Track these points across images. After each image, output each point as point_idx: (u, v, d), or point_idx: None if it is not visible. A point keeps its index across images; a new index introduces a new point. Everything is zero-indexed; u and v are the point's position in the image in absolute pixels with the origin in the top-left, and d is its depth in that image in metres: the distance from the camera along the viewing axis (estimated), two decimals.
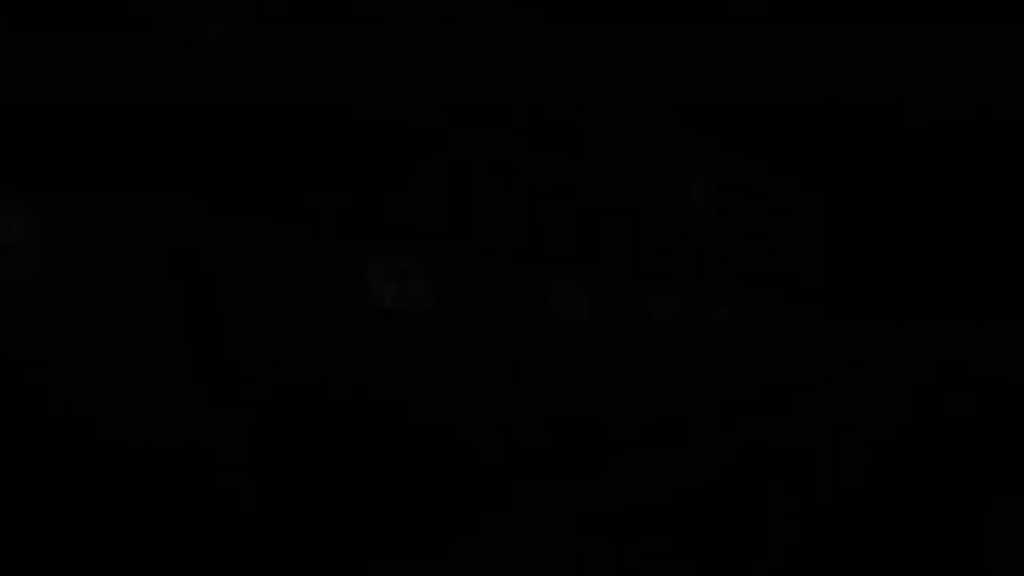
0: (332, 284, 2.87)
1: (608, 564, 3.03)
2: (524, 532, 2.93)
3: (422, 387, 3.08)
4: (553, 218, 4.88)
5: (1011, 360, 12.70)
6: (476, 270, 3.72)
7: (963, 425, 6.94)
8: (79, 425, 2.03)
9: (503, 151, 4.62)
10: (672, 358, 5.29)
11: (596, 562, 3.01)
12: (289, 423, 2.50)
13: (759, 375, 6.65)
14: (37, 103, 2.30)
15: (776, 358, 7.45)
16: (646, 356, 4.98)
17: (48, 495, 1.95)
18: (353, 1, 3.79)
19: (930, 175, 14.60)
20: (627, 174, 6.68)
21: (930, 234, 15.50)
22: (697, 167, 8.57)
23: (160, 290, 2.27)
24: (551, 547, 3.00)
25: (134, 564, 2.09)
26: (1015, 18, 10.23)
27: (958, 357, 14.23)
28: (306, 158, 3.23)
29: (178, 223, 2.38)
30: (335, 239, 3.04)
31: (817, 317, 10.44)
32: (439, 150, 4.01)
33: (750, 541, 3.49)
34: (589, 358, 4.36)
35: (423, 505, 2.78)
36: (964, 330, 15.13)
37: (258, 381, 2.44)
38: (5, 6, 2.28)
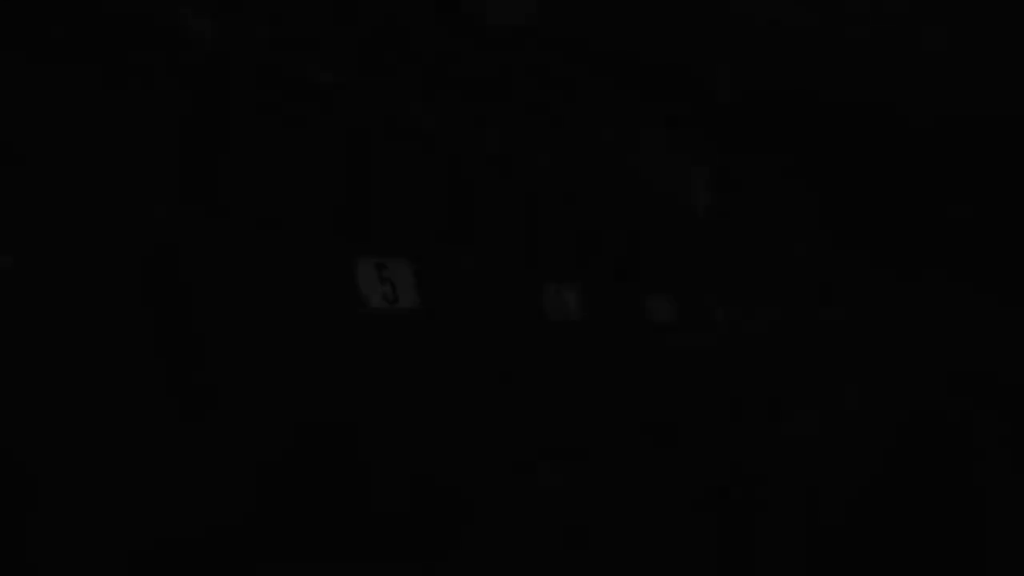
0: (321, 285, 2.86)
1: (611, 565, 3.02)
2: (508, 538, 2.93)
3: (413, 389, 3.08)
4: (551, 218, 4.88)
5: (1011, 360, 12.71)
6: (472, 270, 3.72)
7: (963, 425, 6.92)
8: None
9: (502, 151, 4.62)
10: (671, 358, 5.30)
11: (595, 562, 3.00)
12: (272, 430, 2.49)
13: (759, 375, 6.66)
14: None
15: (775, 358, 7.46)
16: (645, 356, 4.98)
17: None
18: (353, 2, 3.78)
19: (930, 175, 14.60)
20: (627, 173, 6.67)
21: (930, 234, 15.51)
22: (697, 166, 8.57)
23: (133, 288, 2.25)
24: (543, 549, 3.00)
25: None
26: (1014, 18, 10.22)
27: (958, 357, 14.22)
28: (301, 158, 3.23)
29: (156, 223, 2.35)
30: (326, 240, 3.04)
31: (816, 317, 10.45)
32: (438, 150, 4.01)
33: (750, 541, 3.48)
34: (587, 358, 4.36)
35: (405, 515, 2.77)
36: (964, 329, 15.12)
37: (238, 387, 2.43)
38: (2, 7, 2.28)
